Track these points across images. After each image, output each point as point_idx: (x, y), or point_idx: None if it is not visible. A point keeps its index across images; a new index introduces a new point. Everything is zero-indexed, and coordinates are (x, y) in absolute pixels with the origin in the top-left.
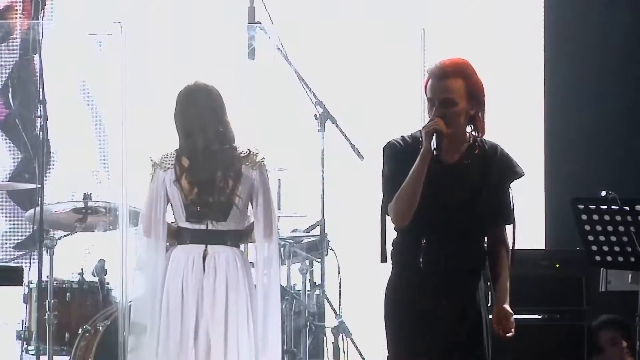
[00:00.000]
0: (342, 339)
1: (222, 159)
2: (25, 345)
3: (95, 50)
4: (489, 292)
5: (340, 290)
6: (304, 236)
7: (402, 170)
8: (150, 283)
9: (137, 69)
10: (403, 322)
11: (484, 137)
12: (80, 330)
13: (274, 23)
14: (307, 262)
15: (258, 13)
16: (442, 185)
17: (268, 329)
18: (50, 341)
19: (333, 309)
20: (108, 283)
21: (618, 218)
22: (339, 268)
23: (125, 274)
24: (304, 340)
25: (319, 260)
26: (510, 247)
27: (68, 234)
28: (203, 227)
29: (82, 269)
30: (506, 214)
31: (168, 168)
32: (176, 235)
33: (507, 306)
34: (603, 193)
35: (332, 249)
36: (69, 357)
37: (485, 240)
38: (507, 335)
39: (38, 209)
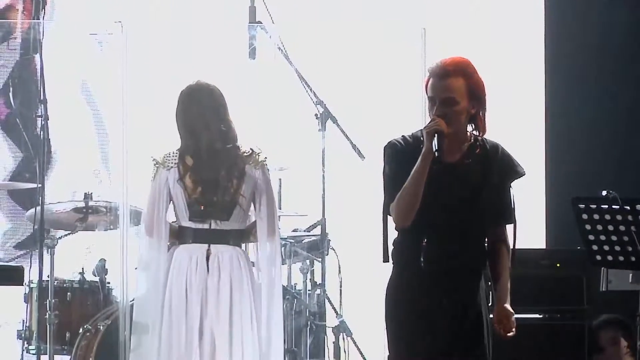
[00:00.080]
0: (343, 339)
1: (226, 158)
2: (26, 345)
3: (96, 49)
4: (490, 292)
5: (341, 290)
6: (304, 236)
7: (403, 170)
8: (152, 282)
9: (137, 68)
10: (403, 321)
11: (484, 137)
12: (81, 329)
13: (275, 22)
14: (307, 261)
15: (259, 12)
16: (443, 185)
17: (272, 329)
18: (51, 341)
19: (334, 308)
20: (109, 282)
21: (619, 217)
22: (339, 267)
23: (126, 274)
24: (305, 340)
25: (320, 259)
26: (511, 247)
27: (69, 234)
28: (206, 226)
29: (82, 268)
30: (507, 214)
31: (171, 167)
32: (177, 235)
33: (508, 306)
34: (604, 192)
35: (332, 249)
36: (69, 357)
37: (486, 239)
38: (508, 334)
39: (39, 208)
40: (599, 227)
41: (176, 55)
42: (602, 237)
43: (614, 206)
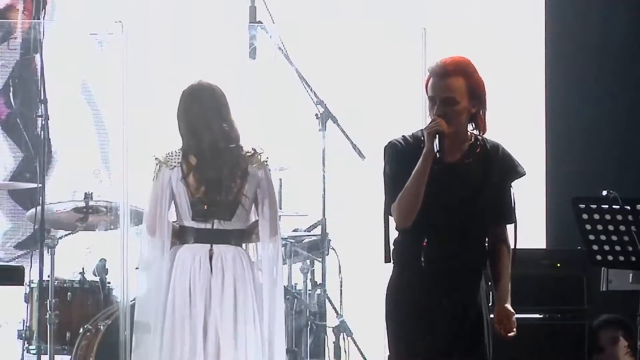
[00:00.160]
0: (343, 339)
1: (228, 158)
2: (26, 345)
3: (96, 49)
4: (490, 292)
5: (341, 290)
6: (305, 235)
7: (403, 170)
8: (153, 282)
9: (138, 68)
10: (404, 321)
11: (485, 136)
12: (81, 329)
13: (275, 22)
14: (308, 261)
15: (259, 12)
16: (443, 185)
17: (274, 328)
18: (52, 341)
19: (334, 308)
20: (109, 282)
21: (619, 217)
22: (340, 267)
23: (126, 274)
24: (305, 340)
25: (320, 259)
26: (512, 247)
27: (69, 234)
28: (209, 226)
29: (83, 268)
30: (507, 213)
31: (174, 166)
32: (179, 235)
33: (508, 306)
34: (604, 192)
35: (333, 249)
36: (70, 357)
37: (487, 239)
38: (509, 335)
39: (39, 208)
40: (599, 227)
41: (176, 55)
42: (603, 237)
43: (614, 206)
